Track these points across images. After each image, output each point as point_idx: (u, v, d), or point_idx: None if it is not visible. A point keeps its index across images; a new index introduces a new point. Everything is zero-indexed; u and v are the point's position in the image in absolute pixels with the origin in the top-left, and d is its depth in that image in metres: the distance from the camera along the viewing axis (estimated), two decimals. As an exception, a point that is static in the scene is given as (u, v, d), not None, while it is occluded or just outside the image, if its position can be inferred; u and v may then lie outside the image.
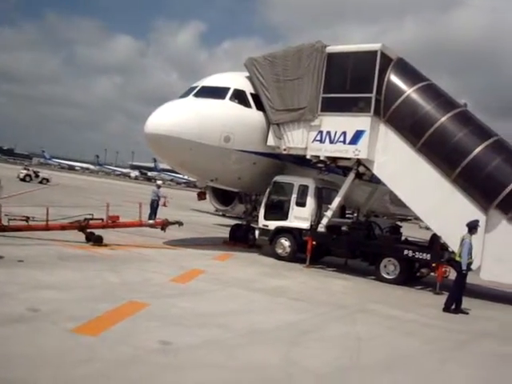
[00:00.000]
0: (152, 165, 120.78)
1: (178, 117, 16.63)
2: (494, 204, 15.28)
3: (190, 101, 17.39)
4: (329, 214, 17.58)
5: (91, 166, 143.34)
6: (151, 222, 19.25)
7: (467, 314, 12.75)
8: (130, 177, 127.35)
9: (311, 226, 17.68)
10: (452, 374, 7.99)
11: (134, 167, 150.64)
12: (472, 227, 13.20)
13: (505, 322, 13.08)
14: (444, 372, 8.03)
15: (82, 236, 15.49)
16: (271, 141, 18.15)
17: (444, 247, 15.73)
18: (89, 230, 15.61)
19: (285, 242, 17.87)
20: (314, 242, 17.21)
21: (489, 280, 15.76)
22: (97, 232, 15.68)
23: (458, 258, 13.11)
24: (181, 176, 67.10)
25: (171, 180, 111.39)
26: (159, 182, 28.70)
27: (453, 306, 12.78)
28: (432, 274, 16.46)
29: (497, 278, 15.58)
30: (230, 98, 17.72)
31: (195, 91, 17.70)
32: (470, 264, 13.14)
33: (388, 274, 16.32)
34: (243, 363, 7.03)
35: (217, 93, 17.66)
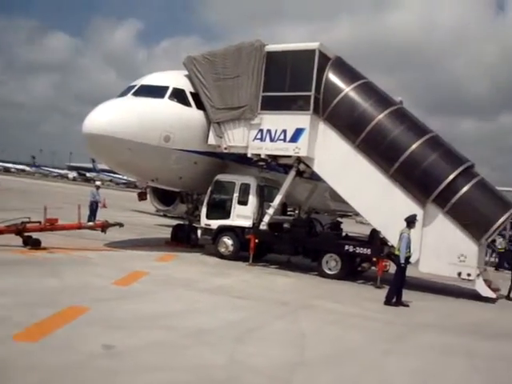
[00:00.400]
0: (90, 165, 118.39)
1: (116, 116, 16.33)
2: (431, 198, 15.76)
3: (129, 100, 17.14)
4: (270, 211, 17.67)
5: (27, 168, 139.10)
6: (91, 223, 18.86)
7: (408, 306, 13.08)
8: (67, 178, 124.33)
9: (253, 224, 17.72)
10: (394, 365, 8.17)
11: (71, 168, 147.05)
12: (410, 221, 13.56)
13: (443, 314, 13.49)
14: (387, 364, 8.19)
15: (19, 240, 15.03)
16: (212, 140, 18.10)
17: (384, 242, 16.08)
18: (26, 234, 15.16)
19: (227, 241, 17.86)
20: (257, 240, 17.27)
21: (427, 272, 16.25)
22: (35, 235, 15.24)
23: (397, 252, 13.45)
24: (120, 176, 66.10)
25: (110, 180, 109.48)
26: (98, 183, 28.03)
27: (393, 299, 13.09)
28: (373, 268, 16.83)
29: (434, 271, 16.07)
30: (170, 97, 17.54)
31: (134, 90, 17.46)
32: (408, 258, 13.48)
33: (330, 269, 16.55)
34: (188, 364, 6.98)
35: (156, 92, 17.46)
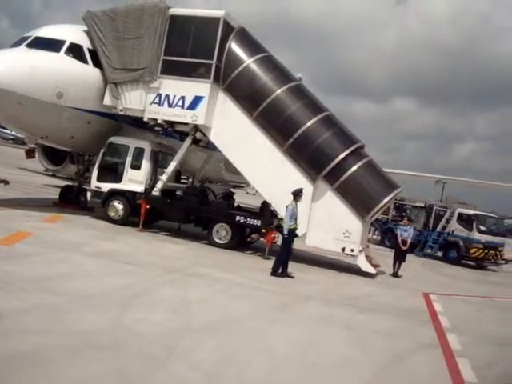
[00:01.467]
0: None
1: (6, 67, 15.35)
2: (321, 175, 16.28)
3: (22, 51, 16.19)
4: (164, 178, 17.52)
5: None
6: (-28, 179, 17.86)
7: (293, 277, 13.50)
8: None
9: (146, 189, 17.51)
10: (277, 334, 8.45)
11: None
12: (296, 194, 13.96)
13: (326, 286, 14.05)
14: (269, 333, 8.46)
15: None
16: (108, 100, 17.58)
17: (274, 214, 16.40)
18: None
19: (118, 205, 17.53)
20: (148, 206, 17.10)
21: (313, 246, 16.83)
22: None
23: (283, 224, 13.82)
24: (8, 131, 62.78)
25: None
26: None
27: (279, 270, 13.44)
28: (262, 239, 17.17)
29: (320, 245, 16.67)
30: (66, 52, 16.77)
31: (28, 41, 16.48)
32: (294, 230, 13.87)
33: (220, 239, 16.75)
34: (71, 328, 6.85)
35: (51, 45, 16.59)
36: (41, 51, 16.29)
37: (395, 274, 17.74)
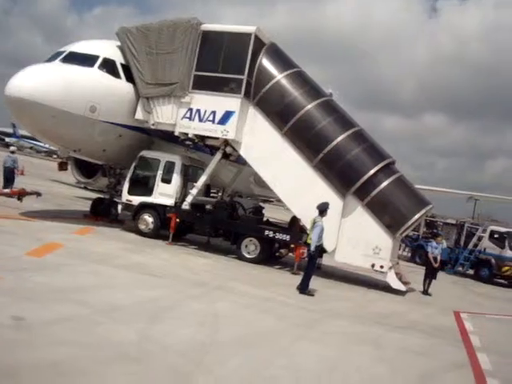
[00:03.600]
0: (11, 130, 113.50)
1: (41, 81, 15.67)
2: (352, 191, 16.19)
3: (56, 66, 16.49)
4: (194, 191, 17.62)
5: None
6: (7, 190, 18.17)
7: (313, 295, 13.15)
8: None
9: (176, 203, 17.63)
10: (305, 350, 8.37)
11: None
12: (322, 210, 13.69)
13: (355, 303, 13.92)
14: (296, 349, 8.38)
15: None
16: (139, 114, 17.78)
17: (303, 229, 16.33)
18: None
19: (148, 218, 17.68)
20: (178, 220, 17.20)
21: (342, 262, 16.69)
22: None
23: (309, 241, 13.62)
24: (42, 144, 63.77)
25: (31, 148, 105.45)
26: (13, 148, 26.67)
27: (308, 287, 13.23)
28: (290, 254, 17.11)
29: (349, 261, 16.53)
30: (99, 67, 17.02)
31: (62, 56, 16.79)
32: (319, 246, 13.69)
33: (249, 253, 16.74)
34: (100, 340, 6.90)
35: (85, 60, 16.88)
36: (74, 66, 16.57)
37: (425, 292, 17.49)
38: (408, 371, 8.28)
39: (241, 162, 19.30)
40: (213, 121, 17.04)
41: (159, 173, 17.94)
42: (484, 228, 28.09)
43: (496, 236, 27.09)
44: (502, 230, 27.48)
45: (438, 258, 18.06)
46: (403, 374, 8.05)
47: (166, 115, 17.59)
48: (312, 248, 13.38)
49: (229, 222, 17.74)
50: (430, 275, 17.81)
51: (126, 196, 18.19)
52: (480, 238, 27.78)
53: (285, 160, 16.72)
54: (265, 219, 20.03)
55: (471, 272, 27.79)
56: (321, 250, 13.91)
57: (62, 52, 17.05)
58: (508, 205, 37.58)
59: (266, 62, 17.22)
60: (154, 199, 17.86)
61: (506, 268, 25.83)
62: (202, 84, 17.33)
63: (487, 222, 29.36)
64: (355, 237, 16.04)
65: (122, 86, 17.58)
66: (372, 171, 16.22)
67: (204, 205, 18.95)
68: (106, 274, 11.02)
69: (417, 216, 16.40)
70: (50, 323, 7.06)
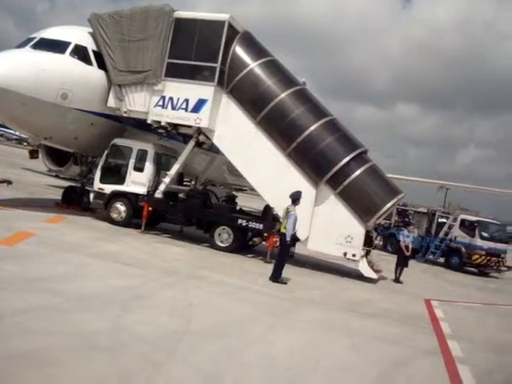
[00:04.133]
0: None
1: (11, 68, 15.37)
2: (324, 180, 16.28)
3: (27, 52, 16.21)
4: (167, 180, 17.55)
5: None
6: (-24, 179, 17.88)
7: (286, 283, 13.18)
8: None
9: (148, 191, 17.54)
10: (278, 338, 8.41)
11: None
12: (295, 199, 13.71)
13: (327, 291, 14.03)
14: (270, 336, 8.43)
15: None
16: (112, 102, 17.62)
17: (276, 218, 16.38)
18: None
19: (120, 207, 17.56)
20: (150, 208, 17.13)
21: (315, 250, 16.80)
22: None
23: (283, 230, 13.63)
24: (12, 132, 62.80)
25: (1, 135, 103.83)
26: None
27: (281, 276, 13.29)
28: (264, 243, 17.16)
29: (322, 249, 16.65)
30: (70, 54, 16.79)
31: (33, 42, 16.50)
32: (293, 235, 13.73)
33: (222, 242, 16.75)
34: (72, 329, 6.85)
35: (56, 46, 16.62)
36: (46, 52, 16.31)
37: (397, 280, 17.71)
38: (380, 358, 8.37)
39: (214, 150, 19.25)
40: (186, 109, 16.94)
41: (131, 161, 17.80)
42: (454, 217, 28.52)
43: (466, 224, 27.53)
44: (473, 218, 27.94)
45: (410, 246, 18.29)
46: (374, 362, 8.13)
47: (138, 103, 17.44)
48: (288, 238, 13.39)
49: (202, 210, 17.70)
50: (402, 263, 18.03)
51: (97, 184, 18.02)
52: (451, 227, 28.21)
53: (258, 149, 16.72)
54: (238, 208, 20.04)
55: (442, 260, 28.26)
56: (294, 239, 13.96)
57: (33, 38, 16.76)
58: (478, 194, 38.04)
59: (239, 50, 17.16)
60: (126, 188, 17.73)
61: (476, 256, 26.31)
62: (174, 72, 17.21)
63: (458, 210, 29.74)
64: (328, 225, 16.16)
65: (94, 73, 17.37)
66: (345, 160, 16.32)
67: (177, 193, 18.89)
68: (78, 262, 10.92)
69: (389, 205, 16.56)
70: (21, 312, 6.99)
